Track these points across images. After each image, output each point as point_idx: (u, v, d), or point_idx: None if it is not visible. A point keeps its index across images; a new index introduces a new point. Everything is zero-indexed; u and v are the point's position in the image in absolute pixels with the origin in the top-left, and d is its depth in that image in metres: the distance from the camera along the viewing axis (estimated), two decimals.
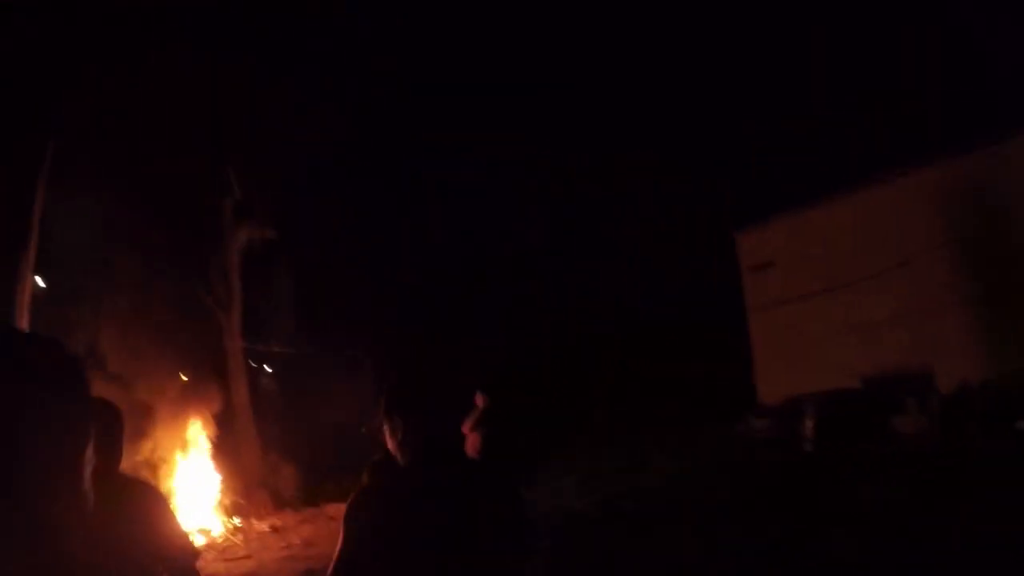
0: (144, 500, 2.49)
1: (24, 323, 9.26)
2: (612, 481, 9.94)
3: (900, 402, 9.07)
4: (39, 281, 12.08)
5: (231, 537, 10.21)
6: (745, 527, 6.54)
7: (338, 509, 10.85)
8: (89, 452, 1.09)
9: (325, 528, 10.04)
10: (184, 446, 11.51)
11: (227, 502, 11.45)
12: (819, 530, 5.94)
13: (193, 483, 11.13)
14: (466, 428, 7.88)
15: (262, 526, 10.81)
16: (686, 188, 15.70)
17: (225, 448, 12.72)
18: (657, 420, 12.76)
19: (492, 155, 16.67)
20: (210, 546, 9.65)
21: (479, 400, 8.02)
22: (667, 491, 8.74)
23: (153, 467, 10.92)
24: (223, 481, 11.80)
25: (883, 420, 9.25)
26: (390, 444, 2.44)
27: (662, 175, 15.91)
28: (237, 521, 10.99)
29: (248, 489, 12.30)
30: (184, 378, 14.20)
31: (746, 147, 15.15)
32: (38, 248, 10.24)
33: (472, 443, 7.82)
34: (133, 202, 11.25)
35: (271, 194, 13.88)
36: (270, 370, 17.41)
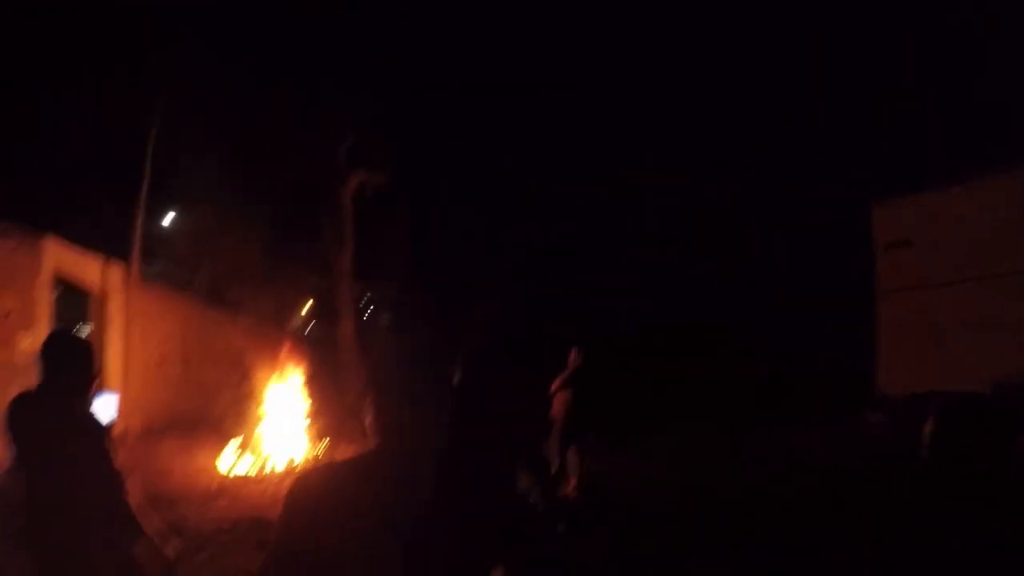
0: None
1: (137, 250, 10.06)
2: (701, 462, 9.57)
3: None
4: (168, 217, 13.34)
5: (313, 464, 10.20)
6: (833, 535, 6.05)
7: None
8: None
9: None
10: (283, 373, 12.01)
11: (316, 429, 11.78)
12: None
13: (285, 409, 11.55)
14: (555, 386, 7.83)
15: (346, 455, 11.00)
16: (824, 149, 14.41)
17: (325, 379, 13.52)
18: (761, 403, 12.07)
19: (612, 114, 15.92)
20: (289, 472, 9.91)
21: (572, 358, 7.93)
22: (760, 484, 8.20)
23: (253, 394, 11.55)
24: (317, 410, 12.28)
25: (1010, 436, 8.24)
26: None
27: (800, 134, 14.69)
28: (322, 448, 11.26)
29: (339, 420, 12.78)
30: (295, 312, 15.24)
31: (898, 110, 13.50)
32: (162, 189, 11.13)
33: (559, 401, 7.79)
34: (250, 146, 11.98)
35: (385, 140, 14.18)
36: (379, 310, 18.08)
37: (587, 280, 16.93)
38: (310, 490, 1.69)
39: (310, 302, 16.19)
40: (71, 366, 2.84)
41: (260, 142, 12.63)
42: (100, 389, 2.86)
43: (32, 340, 8.38)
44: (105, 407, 2.36)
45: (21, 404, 2.81)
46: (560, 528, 6.11)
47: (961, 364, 9.74)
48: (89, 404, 2.97)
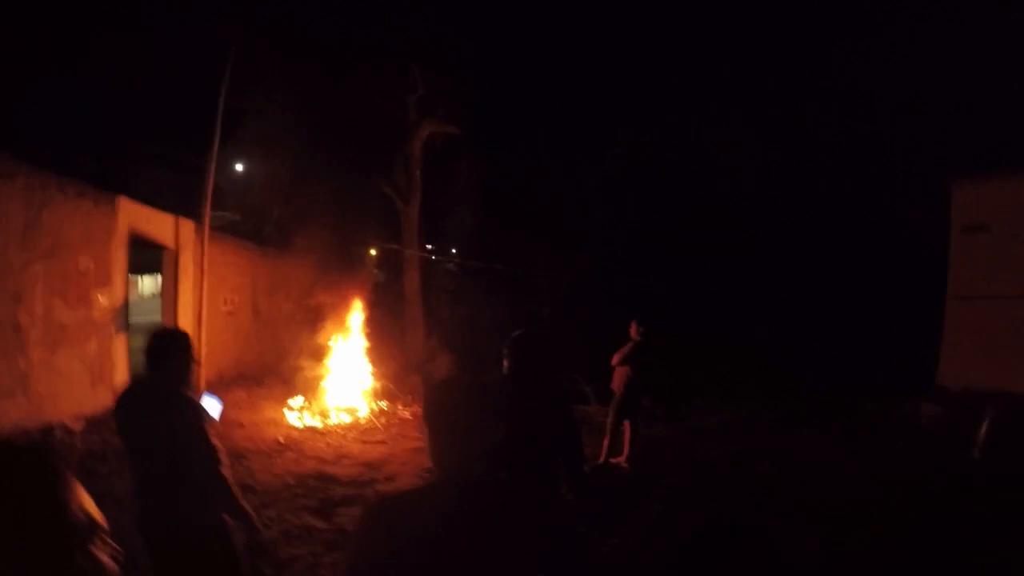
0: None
1: (208, 204, 10.18)
2: (758, 434, 9.37)
3: None
4: (238, 168, 13.47)
5: (374, 420, 10.48)
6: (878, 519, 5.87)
7: None
8: None
9: None
10: (347, 328, 12.17)
11: (379, 385, 11.95)
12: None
13: (349, 363, 11.76)
14: (615, 359, 7.79)
15: (405, 413, 11.01)
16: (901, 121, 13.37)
17: (389, 332, 13.69)
18: (820, 380, 11.69)
19: (692, 77, 15.05)
20: (353, 426, 10.12)
21: (633, 331, 7.84)
22: (808, 461, 7.99)
23: (321, 345, 11.74)
24: (380, 364, 12.40)
25: None
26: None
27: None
28: (383, 405, 11.35)
29: (402, 374, 12.92)
30: (363, 263, 15.35)
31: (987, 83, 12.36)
32: (232, 140, 11.18)
33: (619, 375, 7.77)
34: (320, 96, 11.91)
35: (455, 91, 13.89)
36: (451, 262, 18.09)
37: (653, 249, 16.39)
38: (378, 522, 1.90)
39: (377, 253, 16.29)
40: (172, 357, 3.25)
41: (330, 92, 12.53)
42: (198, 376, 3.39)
43: (109, 297, 8.66)
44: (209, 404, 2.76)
45: (130, 395, 3.35)
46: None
47: None
48: (189, 388, 3.33)
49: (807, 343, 13.16)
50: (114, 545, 1.53)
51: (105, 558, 1.52)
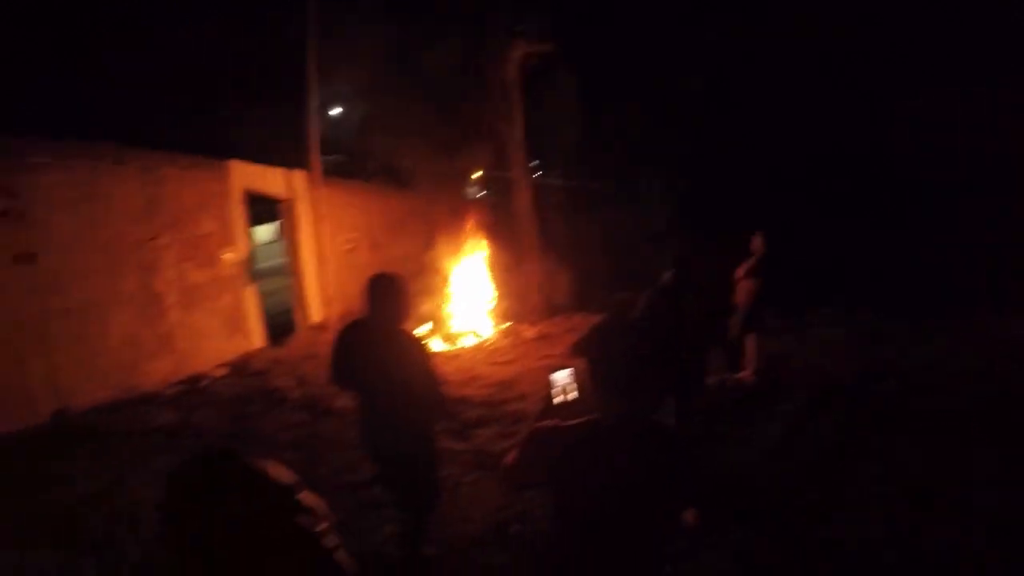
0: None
1: (316, 154, 10.68)
2: (883, 348, 8.98)
3: None
4: (335, 112, 13.82)
5: (500, 341, 10.69)
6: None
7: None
8: None
9: None
10: (464, 252, 12.51)
11: (501, 306, 12.24)
12: None
13: (470, 287, 12.12)
14: (739, 273, 7.73)
15: (531, 332, 11.10)
16: None
17: (505, 254, 13.94)
18: (948, 296, 10.85)
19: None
20: (479, 348, 10.40)
21: (757, 245, 7.72)
22: (933, 381, 7.60)
23: (436, 271, 12.17)
24: (499, 286, 12.66)
25: None
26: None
27: None
28: (507, 325, 11.61)
29: (523, 295, 13.15)
30: (472, 188, 15.55)
31: None
32: (330, 84, 11.52)
33: (744, 289, 7.73)
34: (409, 24, 11.90)
35: (548, 9, 13.43)
36: (556, 181, 17.93)
37: (772, 163, 15.34)
38: (538, 453, 2.17)
39: (485, 177, 16.43)
40: (390, 298, 3.71)
41: (419, 19, 12.49)
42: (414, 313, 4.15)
43: (233, 255, 9.45)
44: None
45: (352, 329, 3.82)
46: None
47: None
48: (405, 325, 3.80)
49: (939, 260, 12.18)
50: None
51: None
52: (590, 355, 2.19)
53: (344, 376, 3.84)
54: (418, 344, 3.79)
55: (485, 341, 10.90)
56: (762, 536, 4.30)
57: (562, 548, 2.20)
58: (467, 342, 10.87)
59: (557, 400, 2.35)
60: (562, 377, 2.61)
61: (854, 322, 10.23)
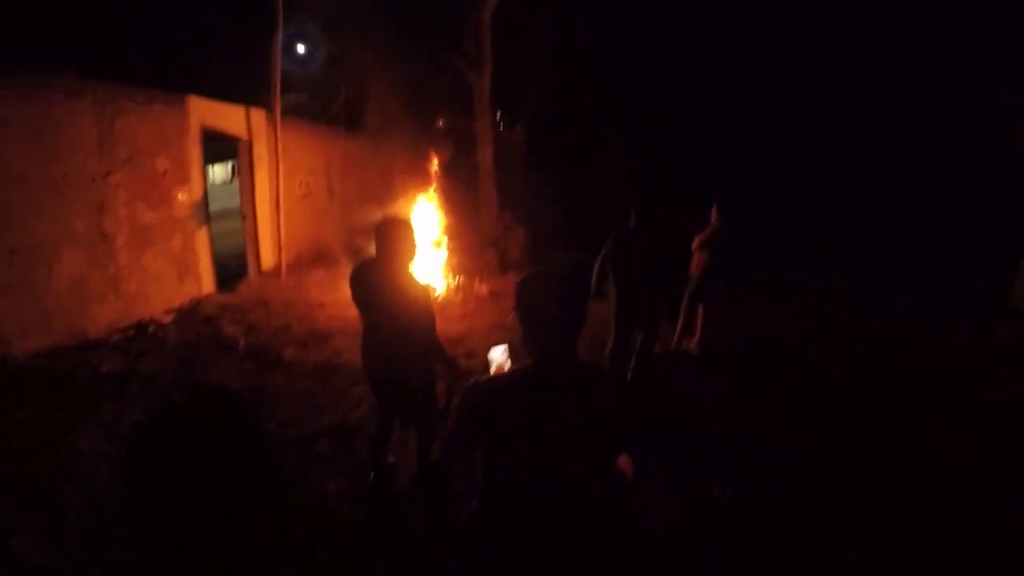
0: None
1: (278, 93, 10.23)
2: (822, 331, 9.27)
3: None
4: (300, 48, 13.19)
5: (452, 296, 10.55)
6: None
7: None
8: None
9: None
10: (422, 204, 12.24)
11: (454, 261, 12.04)
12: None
13: (424, 241, 11.84)
14: (695, 243, 7.77)
15: (482, 289, 10.96)
16: None
17: (463, 208, 13.73)
18: (893, 292, 11.23)
19: None
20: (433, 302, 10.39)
21: (714, 218, 7.76)
22: (880, 362, 7.87)
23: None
24: (454, 239, 12.45)
25: None
26: None
27: None
28: (460, 281, 11.43)
29: (477, 250, 12.99)
30: (435, 137, 15.14)
31: None
32: (298, 19, 10.96)
33: (697, 260, 7.80)
34: None
35: None
36: (520, 130, 17.62)
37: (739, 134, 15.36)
38: (475, 406, 2.14)
39: (449, 127, 16.04)
40: (397, 241, 3.90)
41: None
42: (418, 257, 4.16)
43: (188, 194, 9.04)
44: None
45: (362, 269, 4.04)
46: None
47: None
48: (411, 268, 4.03)
49: (886, 256, 12.55)
50: None
51: None
52: (518, 308, 2.16)
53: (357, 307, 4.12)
54: (422, 289, 3.98)
55: (438, 296, 10.72)
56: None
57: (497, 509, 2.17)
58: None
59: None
60: (498, 353, 2.60)
61: (805, 302, 10.55)
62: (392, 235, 3.89)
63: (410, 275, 3.97)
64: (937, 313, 10.05)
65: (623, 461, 2.21)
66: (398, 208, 12.01)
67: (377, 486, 4.57)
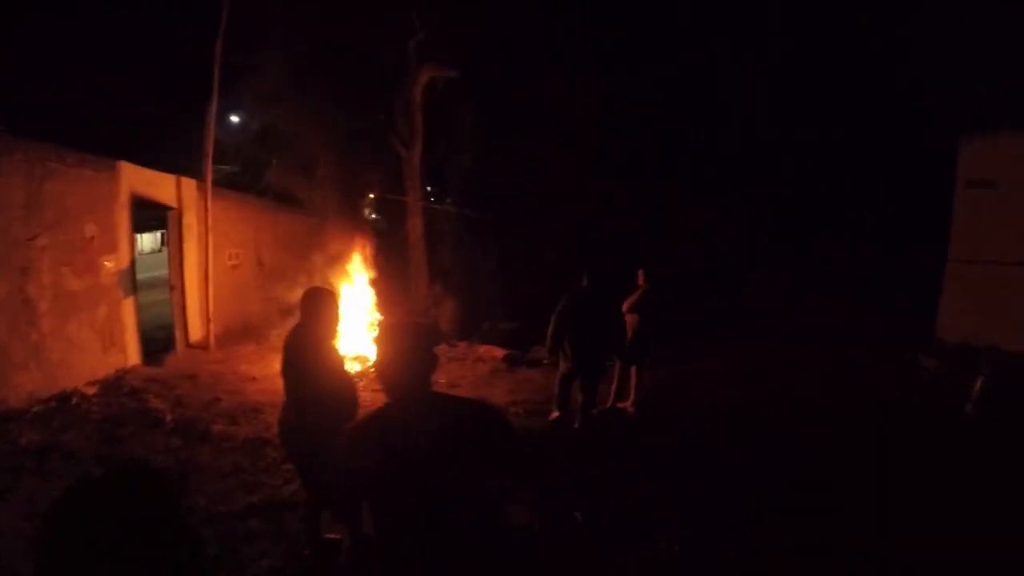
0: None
1: (209, 162, 10.13)
2: (756, 382, 9.55)
3: None
4: (234, 119, 13.21)
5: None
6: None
7: (488, 350, 11.48)
8: None
9: (471, 371, 10.46)
10: (352, 277, 12.18)
11: None
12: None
13: (355, 313, 11.75)
14: (625, 307, 7.90)
15: None
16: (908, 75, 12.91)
17: (393, 280, 13.73)
18: (820, 330, 11.78)
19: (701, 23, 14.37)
20: (364, 375, 10.00)
21: (641, 280, 7.93)
22: (813, 404, 8.24)
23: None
24: (384, 313, 12.32)
25: None
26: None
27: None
28: None
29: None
30: (366, 209, 15.24)
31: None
32: (234, 92, 10.99)
33: (630, 323, 7.89)
34: (320, 45, 11.62)
35: (455, 35, 13.55)
36: (450, 208, 17.94)
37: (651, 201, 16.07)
38: (354, 439, 2.41)
39: (380, 199, 16.20)
40: (320, 311, 3.97)
41: (328, 37, 12.22)
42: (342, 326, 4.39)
43: (116, 262, 8.73)
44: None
45: (292, 334, 4.04)
46: None
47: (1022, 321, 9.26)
48: (335, 337, 4.12)
49: (811, 294, 13.20)
50: None
51: None
52: (376, 355, 2.47)
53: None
54: (342, 361, 4.10)
55: (369, 368, 10.63)
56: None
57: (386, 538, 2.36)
58: (352, 368, 10.52)
59: None
60: None
61: (734, 354, 10.89)
62: (316, 305, 3.98)
63: (332, 345, 4.06)
64: (867, 349, 10.57)
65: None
66: (327, 281, 11.93)
67: (314, 562, 4.40)
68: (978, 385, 8.14)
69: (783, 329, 12.05)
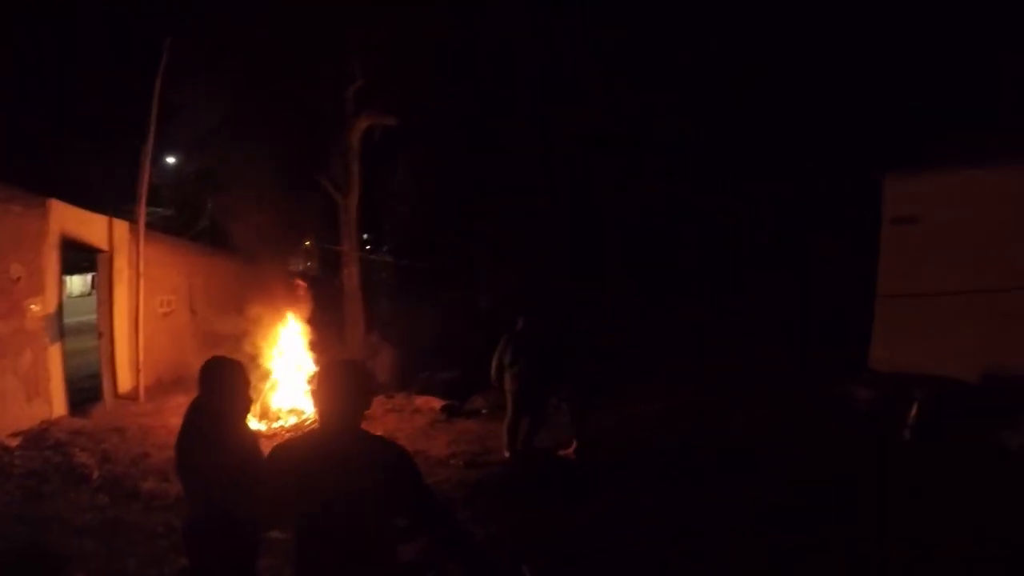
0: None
1: (143, 205, 9.78)
2: (694, 421, 9.65)
3: (1015, 413, 8.04)
4: (170, 160, 12.86)
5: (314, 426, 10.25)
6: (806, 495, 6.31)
7: (426, 401, 11.27)
8: None
9: (408, 422, 10.25)
10: (287, 323, 11.83)
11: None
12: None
13: (291, 360, 11.37)
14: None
15: None
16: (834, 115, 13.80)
17: (328, 329, 13.40)
18: (754, 365, 12.08)
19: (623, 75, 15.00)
20: (299, 427, 9.82)
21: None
22: (747, 441, 8.36)
23: (260, 345, 11.38)
24: (319, 359, 12.07)
25: (992, 428, 8.28)
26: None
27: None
28: None
29: None
30: (302, 256, 14.97)
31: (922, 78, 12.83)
32: (170, 132, 10.72)
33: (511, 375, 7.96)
34: (258, 89, 11.52)
35: (393, 83, 13.67)
36: (386, 257, 17.83)
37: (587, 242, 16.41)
38: (277, 463, 2.57)
39: (315, 246, 15.96)
40: (229, 389, 3.28)
41: (266, 84, 12.14)
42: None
43: (42, 305, 8.23)
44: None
45: (192, 414, 3.33)
46: None
47: (956, 349, 9.73)
48: (245, 415, 3.41)
49: (744, 331, 13.58)
50: None
51: None
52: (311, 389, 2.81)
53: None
54: (250, 448, 3.29)
55: (305, 420, 10.32)
56: None
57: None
58: (287, 420, 10.17)
59: None
60: None
61: (671, 395, 11.00)
62: (218, 380, 3.28)
63: (243, 427, 3.36)
64: (800, 380, 10.88)
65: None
66: (260, 332, 11.58)
67: None
68: (913, 412, 8.50)
69: (714, 367, 12.30)
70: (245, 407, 3.37)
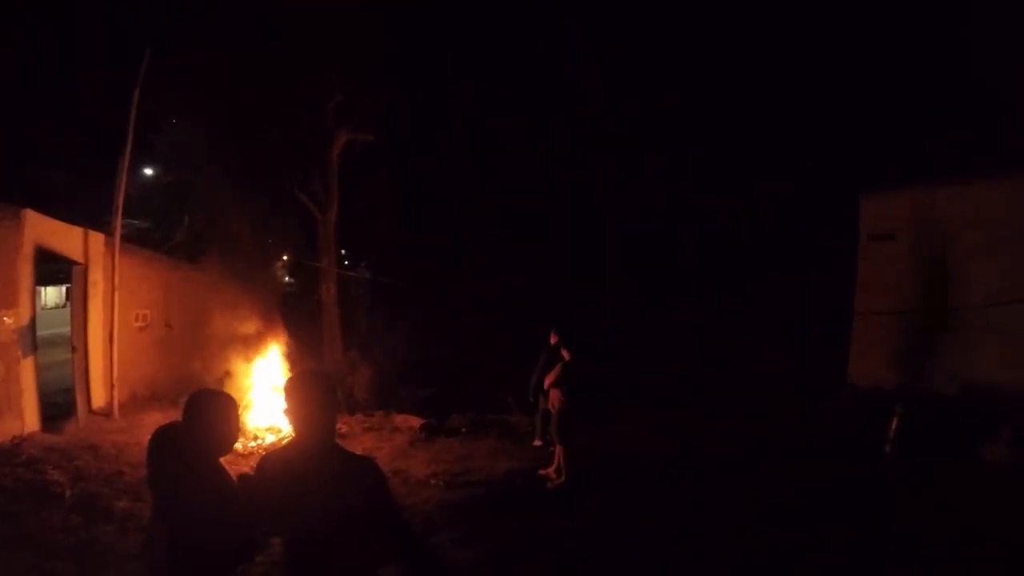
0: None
1: (119, 217, 9.65)
2: (679, 437, 9.66)
3: (993, 426, 8.18)
4: (147, 172, 12.72)
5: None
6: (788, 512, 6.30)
7: (405, 420, 11.18)
8: None
9: (387, 442, 10.13)
10: (264, 342, 11.72)
11: None
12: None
13: (267, 380, 11.22)
14: (548, 382, 7.88)
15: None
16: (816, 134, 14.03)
17: (306, 346, 13.28)
18: (737, 381, 12.15)
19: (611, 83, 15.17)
20: (276, 445, 9.45)
21: (565, 355, 7.91)
22: (729, 461, 8.32)
23: (237, 361, 11.27)
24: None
25: (971, 441, 8.40)
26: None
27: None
28: None
29: None
30: (280, 272, 14.85)
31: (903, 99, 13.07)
32: (148, 144, 10.61)
33: (554, 397, 7.89)
34: (237, 102, 11.47)
35: (373, 98, 13.69)
36: (365, 274, 17.74)
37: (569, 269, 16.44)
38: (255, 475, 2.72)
39: (295, 262, 15.84)
40: (215, 424, 2.91)
41: (246, 98, 12.10)
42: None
43: (15, 317, 8.06)
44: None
45: (164, 438, 2.97)
46: None
47: (935, 363, 9.89)
48: (225, 452, 3.03)
49: (724, 347, 13.67)
50: None
51: None
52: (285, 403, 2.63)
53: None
54: (230, 484, 2.99)
55: (283, 438, 10.19)
56: None
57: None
58: (264, 439, 10.03)
59: None
60: None
61: (650, 414, 11.01)
62: (207, 412, 2.93)
63: (217, 465, 2.97)
64: (780, 397, 10.96)
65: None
66: (239, 346, 11.47)
67: None
68: (893, 426, 8.58)
69: (698, 383, 12.36)
70: (230, 444, 3.01)
